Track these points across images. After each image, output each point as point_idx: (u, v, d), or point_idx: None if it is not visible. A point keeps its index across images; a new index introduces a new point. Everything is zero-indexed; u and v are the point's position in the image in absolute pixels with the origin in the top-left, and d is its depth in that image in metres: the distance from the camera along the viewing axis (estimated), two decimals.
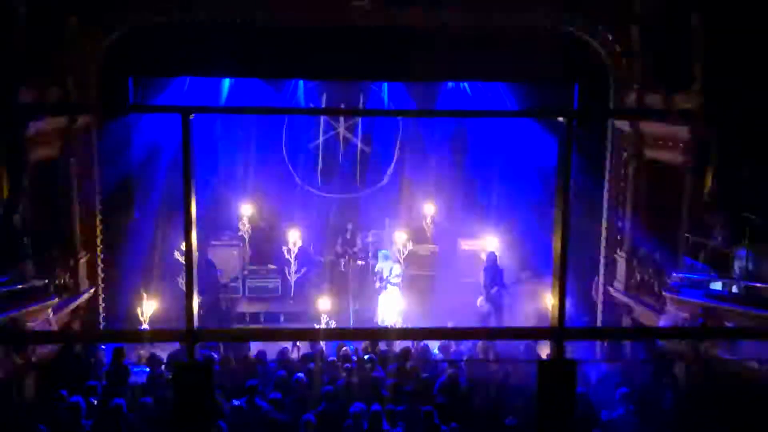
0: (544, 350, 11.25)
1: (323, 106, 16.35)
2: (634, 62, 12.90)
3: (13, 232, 10.81)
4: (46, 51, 11.89)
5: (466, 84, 16.02)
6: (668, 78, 12.07)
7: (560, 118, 4.33)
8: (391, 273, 14.50)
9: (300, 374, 10.08)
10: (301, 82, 16.16)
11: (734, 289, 10.17)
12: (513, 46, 12.96)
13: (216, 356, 11.07)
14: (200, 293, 13.26)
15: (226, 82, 15.80)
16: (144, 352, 11.80)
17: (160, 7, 12.56)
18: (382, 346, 11.60)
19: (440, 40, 12.96)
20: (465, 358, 11.49)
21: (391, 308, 13.99)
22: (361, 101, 16.49)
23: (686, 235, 11.08)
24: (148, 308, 12.48)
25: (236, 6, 12.53)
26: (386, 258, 14.85)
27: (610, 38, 13.04)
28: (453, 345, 11.65)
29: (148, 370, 10.60)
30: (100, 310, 13.39)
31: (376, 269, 14.99)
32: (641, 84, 12.77)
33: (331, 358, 11.06)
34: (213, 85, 15.65)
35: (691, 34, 11.27)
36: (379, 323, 13.80)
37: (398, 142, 17.16)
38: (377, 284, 14.67)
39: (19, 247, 10.86)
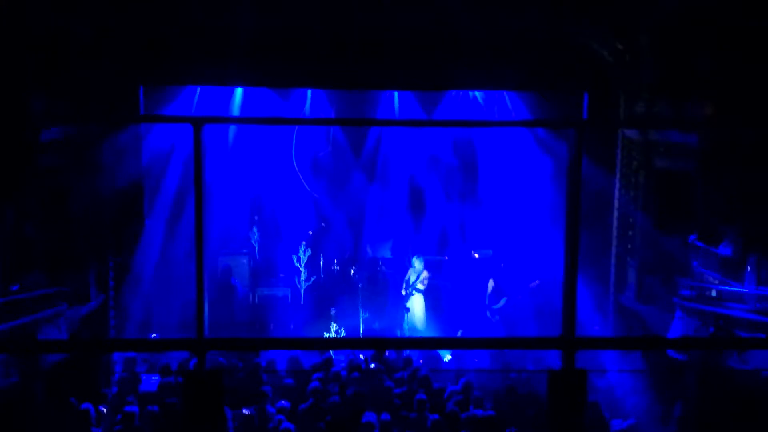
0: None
1: (332, 114, 16.40)
2: (644, 71, 12.87)
3: (25, 239, 10.86)
4: (58, 59, 11.95)
5: (477, 93, 16.08)
6: (678, 86, 12.04)
7: (570, 129, 4.33)
8: (418, 278, 14.49)
9: (310, 383, 10.09)
10: (309, 91, 16.22)
11: (746, 298, 10.12)
12: (522, 55, 12.97)
13: (224, 362, 11.11)
14: (215, 301, 13.35)
15: (238, 91, 15.86)
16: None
17: (170, 15, 12.61)
18: (391, 354, 11.60)
19: (448, 49, 12.99)
20: (476, 366, 11.49)
21: (416, 315, 14.04)
22: (371, 110, 16.52)
23: (697, 243, 11.02)
24: (159, 316, 12.54)
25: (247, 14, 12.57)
26: (420, 263, 14.77)
27: (620, 47, 13.03)
28: (464, 353, 11.64)
29: (157, 378, 10.64)
30: (110, 317, 13.41)
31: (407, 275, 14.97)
32: (650, 92, 12.74)
33: (340, 367, 11.07)
34: (224, 94, 15.72)
35: (701, 43, 11.25)
36: (406, 329, 13.74)
37: (408, 149, 17.20)
38: (404, 290, 14.67)
39: (30, 255, 10.91)
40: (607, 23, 12.90)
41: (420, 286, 14.44)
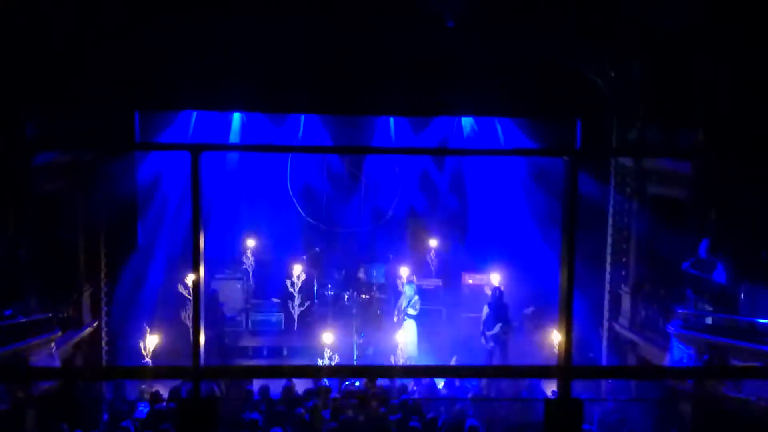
0: (548, 386, 11.21)
1: (329, 140, 16.45)
2: (637, 98, 12.99)
3: (18, 264, 10.82)
4: (53, 84, 11.99)
5: (471, 119, 16.21)
6: (670, 114, 12.14)
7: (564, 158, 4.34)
8: (409, 304, 14.39)
9: (302, 409, 10.02)
10: (302, 118, 16.29)
11: (739, 325, 10.11)
12: (516, 82, 13.09)
13: (216, 390, 11.02)
14: (204, 327, 13.26)
15: (236, 118, 15.93)
16: (146, 386, 11.78)
17: (166, 41, 12.69)
18: (384, 381, 11.53)
19: (443, 76, 13.10)
20: (470, 395, 11.42)
21: (408, 340, 13.93)
22: (367, 136, 16.58)
23: (691, 270, 11.05)
24: (151, 342, 12.48)
25: (243, 42, 12.65)
26: (412, 290, 14.66)
27: (613, 74, 13.16)
28: (457, 381, 11.58)
29: (149, 405, 10.56)
30: (103, 343, 13.35)
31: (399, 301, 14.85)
32: (643, 120, 12.85)
33: (334, 394, 10.99)
34: (220, 121, 15.76)
35: (693, 71, 11.36)
36: (398, 354, 13.64)
37: (402, 176, 17.25)
38: (395, 317, 14.59)
39: (23, 280, 10.86)
40: (600, 51, 13.03)
41: (411, 311, 14.38)
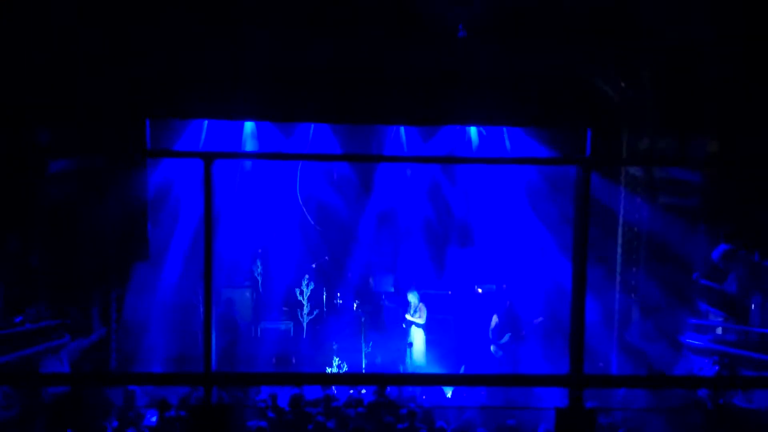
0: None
1: (338, 148, 16.47)
2: (647, 107, 12.96)
3: (28, 271, 10.87)
4: (64, 92, 12.05)
5: (477, 128, 16.20)
6: (681, 123, 12.11)
7: (577, 166, 4.34)
8: (415, 313, 14.40)
9: (323, 417, 10.01)
10: (311, 127, 16.32)
11: (750, 336, 10.07)
12: (525, 91, 13.09)
13: (225, 397, 11.03)
14: (219, 334, 13.32)
15: (248, 127, 15.97)
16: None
17: (177, 49, 12.74)
18: (392, 389, 11.52)
19: (452, 85, 13.11)
20: (477, 402, 11.39)
21: (416, 349, 13.93)
22: (377, 143, 16.59)
23: (702, 280, 11.00)
24: (160, 349, 12.51)
25: (253, 51, 12.69)
26: (415, 298, 14.68)
27: (623, 83, 13.14)
28: (466, 389, 11.56)
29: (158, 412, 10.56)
30: (112, 350, 13.36)
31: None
32: (654, 129, 12.82)
33: (340, 402, 10.99)
34: (231, 130, 15.80)
35: (704, 80, 11.35)
36: (408, 363, 13.61)
37: (412, 184, 17.25)
38: (404, 325, 14.60)
39: (33, 287, 10.90)
40: (609, 60, 13.02)
41: (417, 320, 14.38)
